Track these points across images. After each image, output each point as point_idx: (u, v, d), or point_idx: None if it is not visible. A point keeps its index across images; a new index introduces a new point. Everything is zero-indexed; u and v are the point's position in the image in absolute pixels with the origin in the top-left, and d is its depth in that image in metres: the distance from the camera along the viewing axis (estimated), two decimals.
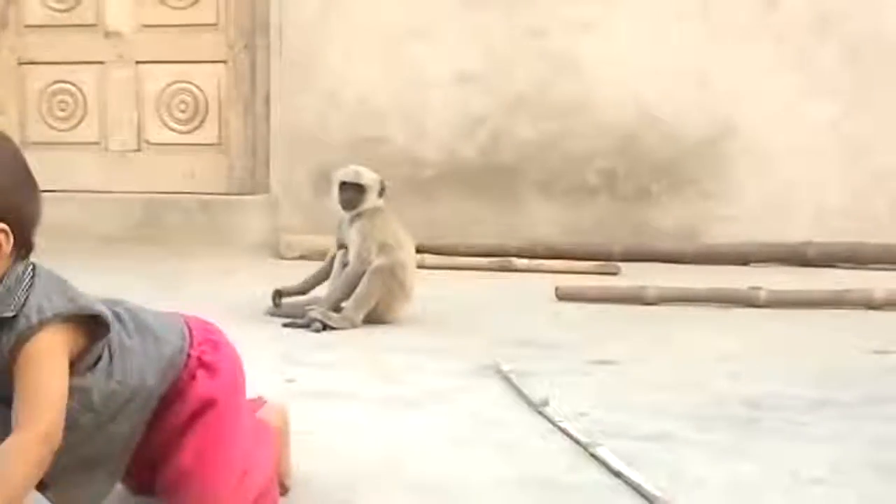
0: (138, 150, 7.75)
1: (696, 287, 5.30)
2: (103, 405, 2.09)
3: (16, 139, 7.29)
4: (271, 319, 4.76)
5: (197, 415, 2.22)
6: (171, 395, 2.21)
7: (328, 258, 4.93)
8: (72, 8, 7.76)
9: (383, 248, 4.72)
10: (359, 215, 4.75)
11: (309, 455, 2.71)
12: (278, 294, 4.87)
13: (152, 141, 7.73)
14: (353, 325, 4.63)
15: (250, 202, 7.36)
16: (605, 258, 6.35)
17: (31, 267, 2.07)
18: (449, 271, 6.18)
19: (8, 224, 2.01)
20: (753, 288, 5.19)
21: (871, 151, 6.85)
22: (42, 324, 1.98)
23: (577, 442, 2.92)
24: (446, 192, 7.09)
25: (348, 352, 4.17)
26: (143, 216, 7.38)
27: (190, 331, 2.27)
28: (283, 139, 7.26)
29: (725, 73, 6.89)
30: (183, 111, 7.67)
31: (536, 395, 3.36)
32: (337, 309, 4.68)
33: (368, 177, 4.80)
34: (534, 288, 5.61)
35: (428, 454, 2.88)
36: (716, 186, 6.94)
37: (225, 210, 7.35)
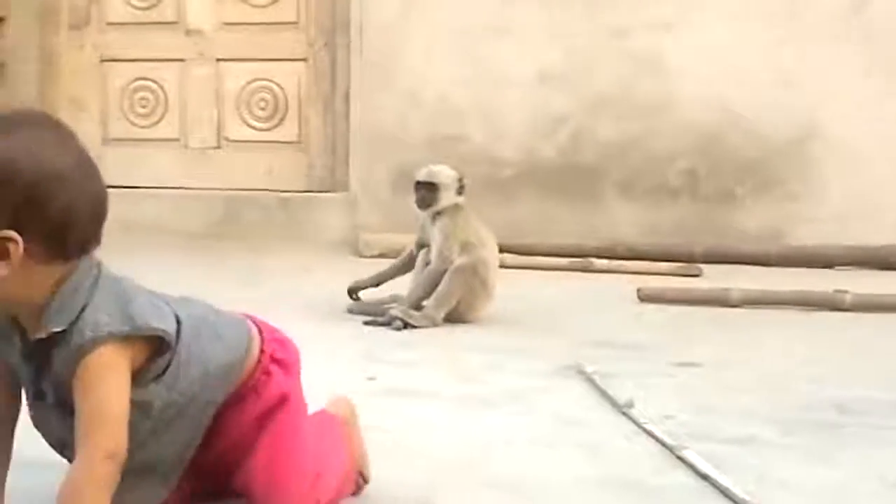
0: (218, 147, 7.79)
1: (781, 290, 5.21)
2: (162, 413, 2.07)
3: (97, 136, 7.41)
4: (351, 317, 4.74)
5: (271, 411, 2.21)
6: (243, 392, 2.19)
7: (404, 254, 4.91)
8: (153, 6, 7.81)
9: (465, 246, 4.69)
10: (440, 214, 4.73)
11: (389, 453, 2.69)
12: (354, 290, 4.85)
13: (232, 138, 7.76)
14: (434, 324, 4.61)
15: (329, 200, 7.36)
16: (686, 260, 6.28)
17: (94, 276, 2.02)
18: (528, 271, 6.13)
19: (23, 231, 1.92)
20: (839, 291, 5.10)
21: None
22: (97, 341, 1.95)
23: (664, 444, 2.87)
24: (526, 192, 7.05)
25: (429, 350, 4.14)
26: (222, 213, 7.41)
27: (259, 331, 2.25)
28: (363, 137, 7.25)
29: (811, 73, 6.79)
30: (263, 109, 7.69)
31: (620, 396, 3.31)
32: (418, 307, 4.65)
33: (444, 175, 4.77)
34: (614, 289, 5.56)
35: (509, 454, 2.85)
36: (800, 188, 6.84)
37: (304, 207, 7.35)
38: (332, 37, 7.50)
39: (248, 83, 7.71)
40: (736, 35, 6.83)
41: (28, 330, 2.04)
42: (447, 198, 4.74)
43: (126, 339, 1.98)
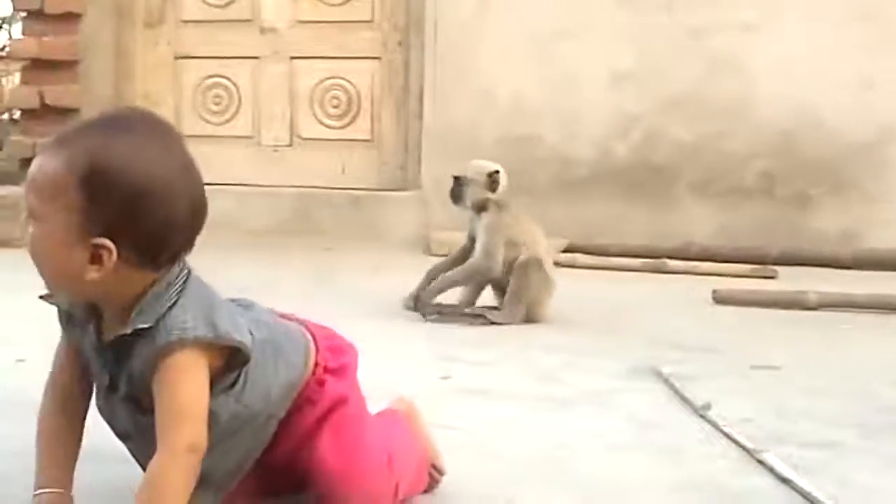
0: (290, 144, 7.81)
1: (858, 293, 5.15)
2: (228, 424, 2.07)
3: None
4: (420, 316, 4.73)
5: (330, 412, 2.20)
6: (299, 402, 2.19)
7: (458, 249, 4.87)
8: (228, 3, 7.85)
9: (512, 244, 4.67)
10: (484, 210, 4.70)
11: (465, 452, 2.69)
12: (416, 299, 4.78)
13: (304, 136, 7.78)
14: (515, 321, 4.60)
15: (401, 198, 7.37)
16: (761, 261, 6.22)
17: (184, 278, 2.03)
18: (601, 271, 6.11)
19: (118, 238, 1.93)
20: None
21: None
22: (181, 342, 1.95)
23: (743, 447, 2.84)
24: (598, 192, 7.02)
25: (503, 350, 4.12)
26: (294, 210, 7.43)
27: (315, 341, 2.24)
28: (436, 136, 7.25)
29: (889, 75, 6.72)
30: (336, 107, 7.71)
31: (697, 398, 3.28)
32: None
33: (473, 169, 4.76)
34: (687, 290, 5.52)
35: (586, 455, 2.82)
36: (876, 190, 6.76)
37: (376, 205, 7.36)
38: (407, 35, 7.51)
39: (322, 81, 7.73)
40: (814, 37, 6.77)
41: (108, 324, 2.05)
42: (475, 192, 4.71)
43: (207, 345, 1.98)
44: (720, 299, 5.18)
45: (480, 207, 4.72)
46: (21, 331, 3.79)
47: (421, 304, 4.69)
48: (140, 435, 2.07)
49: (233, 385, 2.05)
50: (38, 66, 7.51)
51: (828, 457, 2.83)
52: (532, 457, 2.78)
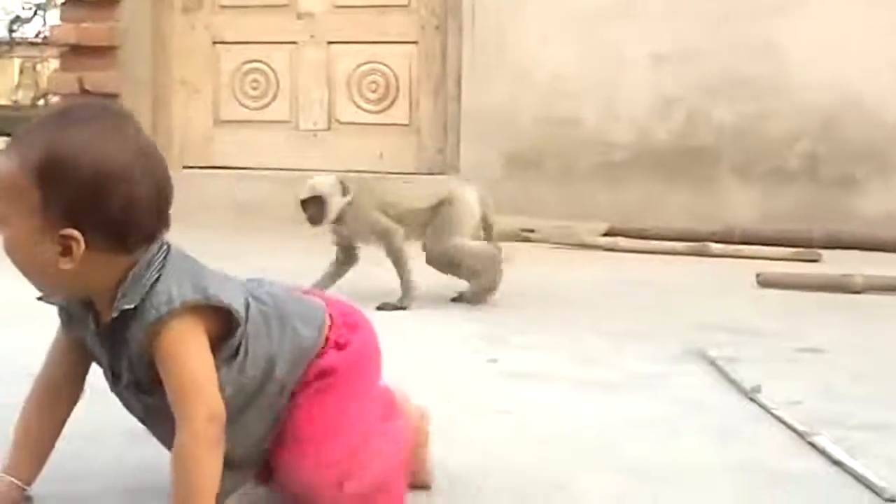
0: (328, 129, 7.81)
1: None
2: (233, 399, 2.04)
3: (209, 117, 7.49)
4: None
5: (313, 380, 2.13)
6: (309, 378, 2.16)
7: (330, 264, 4.79)
8: None
9: (384, 212, 4.62)
10: (340, 220, 4.62)
11: (514, 436, 2.70)
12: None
13: (343, 120, 7.78)
14: (487, 287, 4.64)
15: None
16: (805, 245, 6.16)
17: (163, 255, 2.03)
18: (643, 255, 6.08)
19: (83, 226, 1.94)
20: None
21: None
22: (171, 313, 1.95)
23: (794, 430, 2.82)
24: (639, 175, 6.99)
25: (549, 334, 4.10)
26: None
27: (331, 316, 2.20)
28: (474, 120, 7.23)
29: None
30: (373, 91, 7.71)
31: (745, 381, 3.26)
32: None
33: (325, 185, 4.60)
34: (731, 273, 5.49)
35: (636, 438, 2.81)
36: None
37: None
38: (444, 19, 7.49)
39: (359, 66, 7.73)
40: (857, 17, 6.73)
41: (102, 313, 2.06)
42: (336, 204, 4.57)
43: (197, 309, 1.98)
44: (764, 282, 5.14)
45: (340, 217, 4.61)
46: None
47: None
48: (152, 418, 2.09)
49: (234, 356, 2.04)
50: (76, 53, 7.55)
51: (878, 439, 2.80)
52: (582, 440, 2.76)
